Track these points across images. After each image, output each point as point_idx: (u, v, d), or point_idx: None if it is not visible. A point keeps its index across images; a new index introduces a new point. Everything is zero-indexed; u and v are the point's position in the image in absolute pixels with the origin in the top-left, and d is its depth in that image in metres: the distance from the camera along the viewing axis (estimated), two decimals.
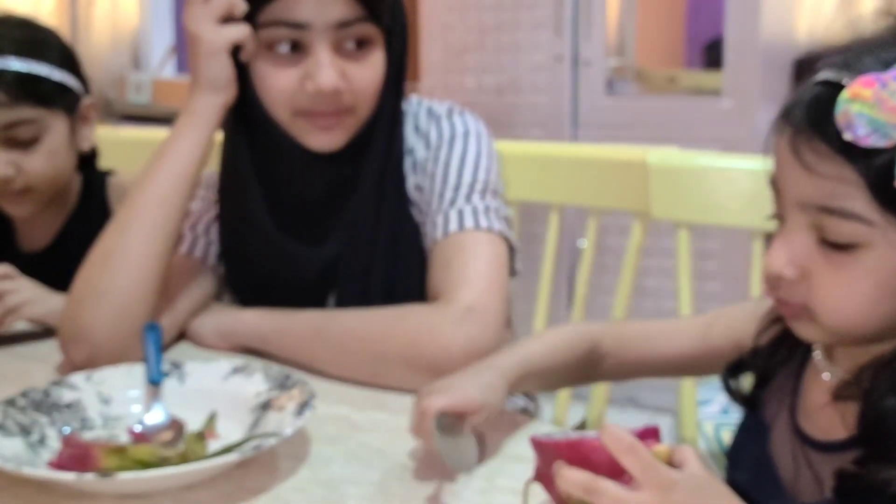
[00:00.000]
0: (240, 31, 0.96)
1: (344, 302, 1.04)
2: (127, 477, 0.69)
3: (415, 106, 1.08)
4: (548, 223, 1.29)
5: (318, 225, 1.04)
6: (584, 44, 2.70)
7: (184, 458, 0.73)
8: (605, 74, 2.72)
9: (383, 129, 1.01)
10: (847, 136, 0.58)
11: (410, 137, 1.06)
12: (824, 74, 0.62)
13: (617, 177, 1.19)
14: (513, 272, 1.04)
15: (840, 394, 0.65)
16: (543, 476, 0.64)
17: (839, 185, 0.60)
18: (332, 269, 1.04)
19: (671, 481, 0.57)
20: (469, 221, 0.99)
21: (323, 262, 1.04)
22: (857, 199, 0.59)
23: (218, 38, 0.96)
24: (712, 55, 3.10)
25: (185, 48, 1.03)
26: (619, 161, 1.20)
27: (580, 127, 2.75)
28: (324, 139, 0.99)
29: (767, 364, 0.75)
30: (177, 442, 0.79)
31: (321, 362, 0.96)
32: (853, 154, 0.59)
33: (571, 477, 0.58)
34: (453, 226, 0.99)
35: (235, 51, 0.98)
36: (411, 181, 1.05)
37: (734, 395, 0.77)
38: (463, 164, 1.02)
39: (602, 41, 2.69)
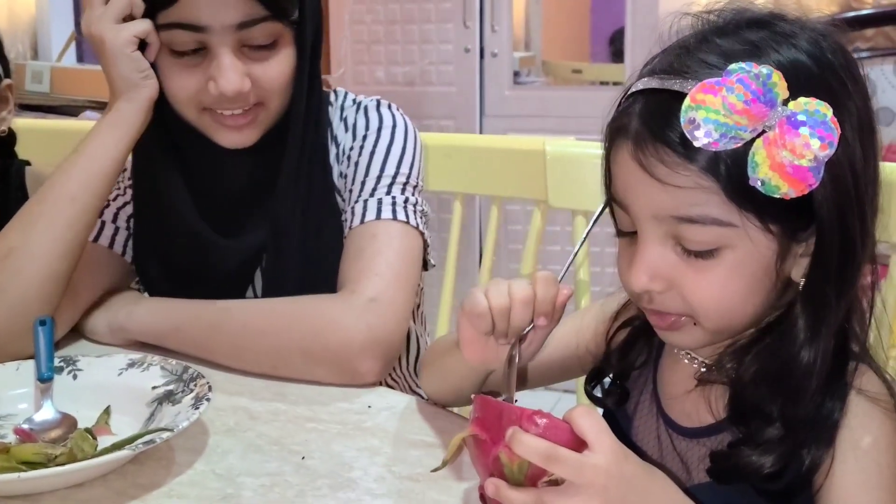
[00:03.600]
0: (142, 26, 0.94)
1: (265, 294, 1.03)
2: (7, 478, 0.67)
3: (342, 98, 1.08)
4: (452, 212, 1.30)
5: (239, 217, 1.03)
6: (491, 36, 2.73)
7: (71, 457, 0.71)
8: (512, 66, 2.76)
9: (299, 120, 1.00)
10: (698, 143, 0.57)
11: (337, 128, 1.05)
12: (651, 83, 0.61)
13: (517, 166, 1.21)
14: (425, 266, 1.04)
15: (705, 379, 0.67)
16: (483, 438, 0.60)
17: (694, 193, 0.59)
18: (253, 261, 1.04)
19: (625, 451, 0.57)
20: (387, 212, 0.98)
21: (244, 254, 1.03)
22: (713, 204, 0.59)
23: (120, 35, 0.94)
24: (614, 47, 3.18)
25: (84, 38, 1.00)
26: (519, 151, 1.21)
27: (487, 117, 2.78)
28: (235, 137, 0.98)
29: (621, 366, 0.75)
30: (67, 440, 0.77)
31: (220, 357, 0.95)
32: (703, 160, 0.58)
33: (531, 443, 0.56)
34: (371, 215, 0.98)
35: (142, 49, 0.96)
36: (336, 170, 1.04)
37: (598, 402, 0.77)
38: (388, 155, 1.02)
39: (509, 34, 2.73)
